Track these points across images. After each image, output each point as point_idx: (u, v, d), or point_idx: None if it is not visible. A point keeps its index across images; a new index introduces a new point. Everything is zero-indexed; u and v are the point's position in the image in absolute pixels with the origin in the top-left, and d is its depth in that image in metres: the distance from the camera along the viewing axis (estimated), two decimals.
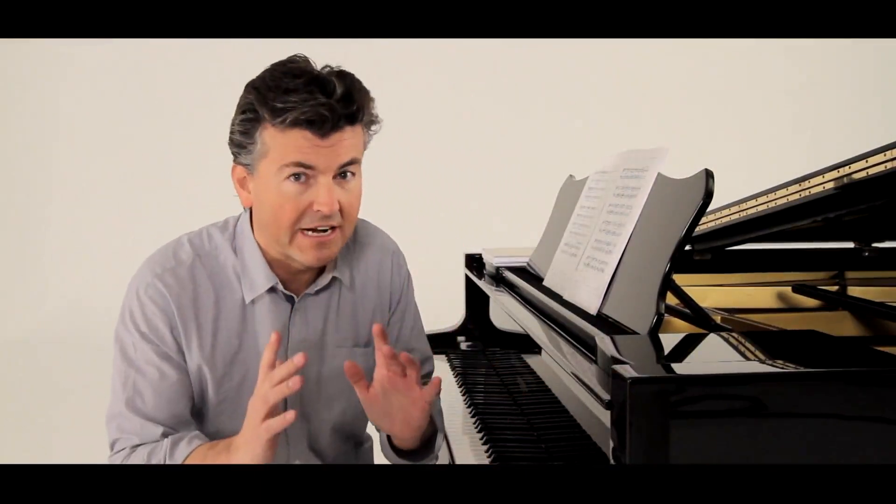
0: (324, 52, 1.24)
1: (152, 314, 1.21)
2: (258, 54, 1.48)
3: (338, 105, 1.11)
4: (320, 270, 1.28)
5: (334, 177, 1.15)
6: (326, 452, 1.37)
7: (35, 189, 6.02)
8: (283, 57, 1.19)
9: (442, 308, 2.46)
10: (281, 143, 1.12)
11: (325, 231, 1.17)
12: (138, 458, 1.19)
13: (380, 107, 1.24)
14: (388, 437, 1.30)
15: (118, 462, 1.21)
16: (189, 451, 1.18)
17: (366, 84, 1.20)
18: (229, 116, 1.22)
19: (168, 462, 1.17)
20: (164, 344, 1.22)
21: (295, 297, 1.27)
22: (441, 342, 2.07)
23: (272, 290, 1.26)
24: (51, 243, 5.94)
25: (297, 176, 1.13)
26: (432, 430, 1.30)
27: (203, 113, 5.72)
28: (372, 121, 1.20)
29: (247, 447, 1.10)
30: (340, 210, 1.16)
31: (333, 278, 1.30)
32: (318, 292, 1.29)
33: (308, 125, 1.10)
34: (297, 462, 1.34)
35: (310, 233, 1.16)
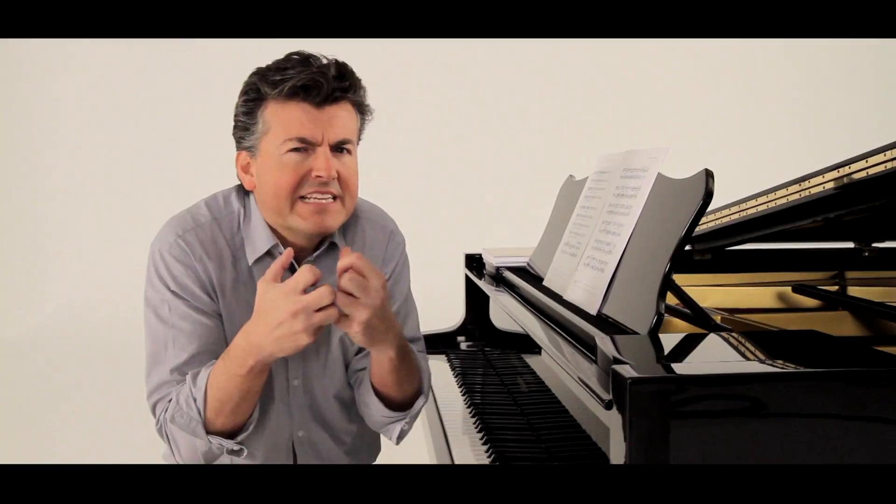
0: (325, 53, 1.25)
1: (179, 272, 1.25)
2: (258, 54, 1.50)
3: (331, 77, 1.20)
4: (321, 242, 1.32)
5: (331, 150, 1.22)
6: (331, 423, 1.40)
7: (35, 189, 6.03)
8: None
9: (442, 308, 2.47)
10: (281, 119, 1.20)
11: (324, 198, 1.22)
12: (172, 409, 1.21)
13: (380, 107, 1.30)
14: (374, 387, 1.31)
15: (162, 426, 1.23)
16: (207, 373, 1.19)
17: (366, 83, 1.28)
18: (229, 116, 1.28)
19: (194, 392, 1.18)
20: (194, 299, 1.25)
21: (295, 265, 1.29)
22: (441, 342, 2.07)
23: (273, 255, 1.29)
24: (51, 244, 5.94)
25: (297, 149, 1.20)
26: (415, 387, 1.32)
27: (203, 113, 5.73)
28: (365, 108, 1.27)
29: (285, 350, 1.12)
30: (339, 180, 1.23)
31: (331, 243, 1.33)
32: (317, 258, 1.32)
33: (305, 92, 1.19)
34: (301, 433, 1.37)
35: (309, 199, 1.22)
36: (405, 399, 1.31)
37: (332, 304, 1.10)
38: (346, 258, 1.13)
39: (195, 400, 1.18)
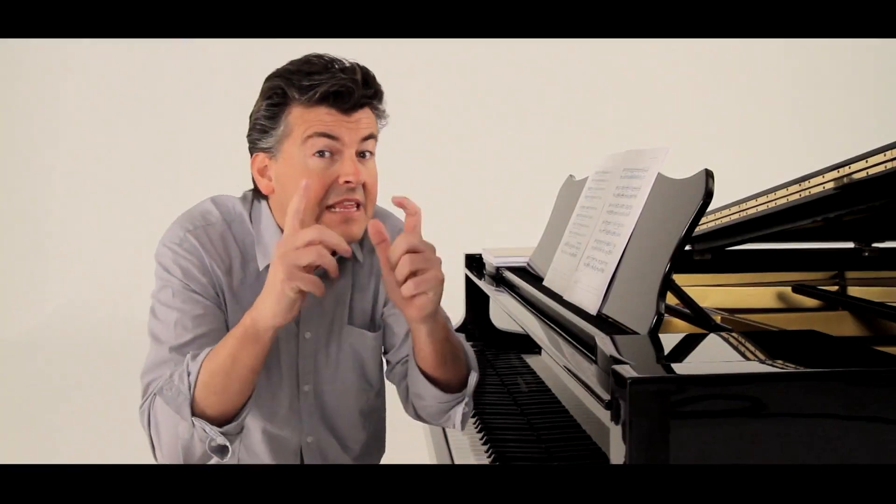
0: (328, 52, 1.25)
1: (186, 262, 1.22)
2: (258, 54, 1.50)
3: (360, 83, 1.18)
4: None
5: (355, 154, 1.20)
6: (341, 430, 1.37)
7: (35, 189, 6.03)
8: (285, 58, 1.24)
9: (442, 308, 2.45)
10: (306, 120, 1.17)
11: (350, 206, 1.19)
12: (163, 384, 1.15)
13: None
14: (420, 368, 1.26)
15: (148, 406, 1.18)
16: (207, 351, 1.14)
17: None
18: (230, 116, 1.25)
19: (190, 366, 1.13)
20: (201, 287, 1.22)
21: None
22: None
23: None
24: (51, 244, 5.95)
25: (321, 153, 1.18)
26: (464, 367, 1.29)
27: (203, 113, 5.74)
28: (382, 112, 1.26)
29: (270, 302, 1.07)
30: (364, 186, 1.21)
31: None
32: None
33: (334, 98, 1.17)
34: (310, 439, 1.35)
35: (336, 209, 1.19)
36: (459, 377, 1.27)
37: (320, 245, 1.04)
38: (402, 242, 1.07)
39: (189, 374, 1.12)
